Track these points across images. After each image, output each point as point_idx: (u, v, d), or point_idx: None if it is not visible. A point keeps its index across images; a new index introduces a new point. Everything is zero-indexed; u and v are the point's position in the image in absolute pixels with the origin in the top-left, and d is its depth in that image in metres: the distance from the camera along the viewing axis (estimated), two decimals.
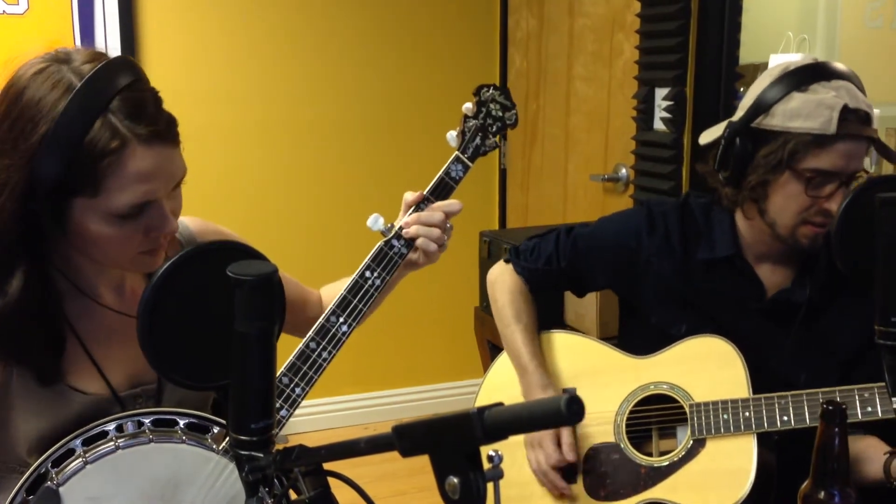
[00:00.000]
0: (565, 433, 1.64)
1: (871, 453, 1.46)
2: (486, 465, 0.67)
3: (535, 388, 1.70)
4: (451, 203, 1.40)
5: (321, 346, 1.30)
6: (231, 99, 3.39)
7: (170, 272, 0.84)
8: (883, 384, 1.38)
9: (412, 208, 1.39)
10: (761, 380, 1.54)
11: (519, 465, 1.70)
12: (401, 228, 1.37)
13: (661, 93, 2.70)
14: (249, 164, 3.46)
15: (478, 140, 1.43)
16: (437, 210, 1.38)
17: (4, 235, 1.12)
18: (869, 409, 1.41)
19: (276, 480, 0.82)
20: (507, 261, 1.87)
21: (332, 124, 3.56)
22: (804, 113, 1.46)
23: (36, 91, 1.09)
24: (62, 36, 3.07)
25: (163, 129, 1.13)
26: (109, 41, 3.14)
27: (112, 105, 1.09)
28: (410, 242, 1.37)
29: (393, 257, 1.36)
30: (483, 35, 3.73)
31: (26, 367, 1.17)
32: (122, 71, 1.13)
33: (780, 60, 2.13)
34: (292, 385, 1.28)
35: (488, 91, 1.45)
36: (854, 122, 1.46)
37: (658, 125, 2.73)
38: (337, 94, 3.54)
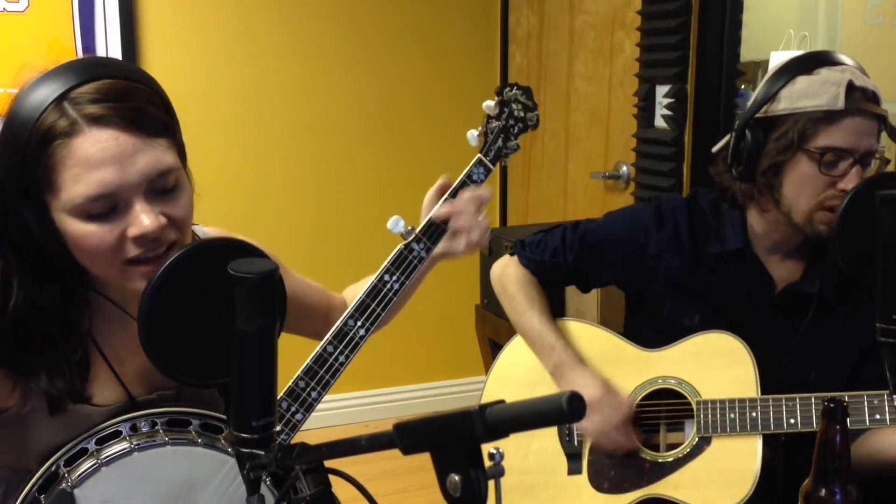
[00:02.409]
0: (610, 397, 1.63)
1: None
2: (488, 463, 0.67)
3: (568, 365, 1.69)
4: (482, 193, 1.37)
5: (338, 350, 1.29)
6: (231, 97, 3.38)
7: (171, 269, 0.84)
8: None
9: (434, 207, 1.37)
10: (770, 375, 1.54)
11: (523, 454, 1.70)
12: (422, 231, 1.34)
13: (661, 90, 2.70)
14: (250, 164, 3.46)
15: (500, 142, 1.40)
16: (467, 198, 1.36)
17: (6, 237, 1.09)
18: (878, 416, 1.41)
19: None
20: (511, 253, 1.87)
21: (332, 122, 3.55)
22: (811, 92, 1.47)
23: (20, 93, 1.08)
24: (63, 34, 3.07)
25: (127, 114, 1.06)
26: (110, 39, 3.14)
27: (76, 92, 1.05)
28: (430, 246, 1.35)
29: (412, 261, 1.33)
30: (484, 32, 3.73)
31: (55, 386, 1.14)
32: (104, 67, 1.10)
33: (781, 58, 2.13)
34: (308, 389, 1.27)
35: (511, 91, 1.41)
36: (861, 98, 1.47)
37: (659, 122, 2.72)
38: (337, 92, 3.54)
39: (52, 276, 1.13)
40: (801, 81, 1.49)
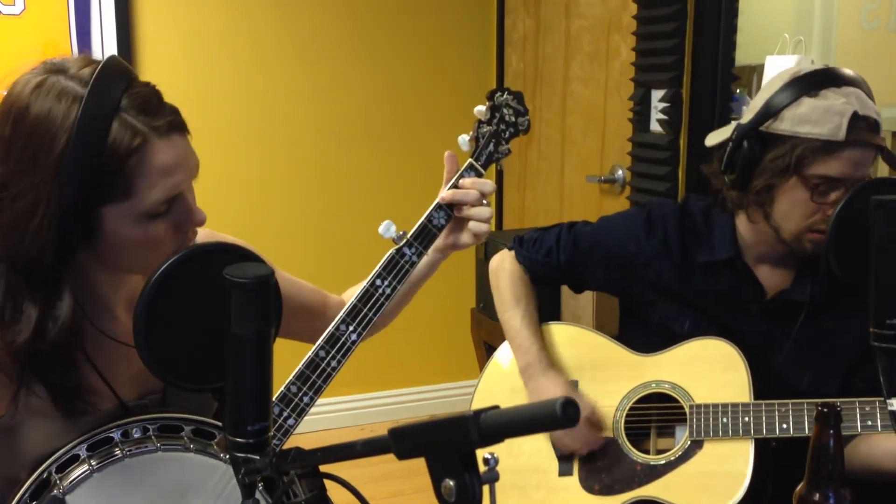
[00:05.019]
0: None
1: None
2: (483, 468, 0.67)
3: (538, 367, 1.70)
4: (485, 182, 1.38)
5: (330, 355, 1.29)
6: (229, 100, 3.38)
7: (167, 273, 0.84)
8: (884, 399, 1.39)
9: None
10: (763, 381, 1.55)
11: (515, 455, 1.71)
12: (413, 236, 1.35)
13: (657, 94, 2.70)
14: (249, 167, 3.45)
15: (491, 146, 1.40)
16: (470, 183, 1.37)
17: (46, 257, 1.08)
18: (869, 423, 1.42)
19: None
20: (509, 248, 1.89)
21: (328, 125, 3.55)
22: (813, 118, 1.46)
23: (42, 105, 1.07)
24: (59, 36, 3.07)
25: (174, 120, 1.14)
26: (106, 42, 3.13)
27: (122, 104, 1.08)
28: (422, 251, 1.35)
29: (404, 265, 1.33)
30: (480, 36, 3.73)
31: (54, 393, 1.14)
32: (119, 71, 1.12)
33: (777, 62, 2.12)
34: (300, 394, 1.27)
35: (502, 96, 1.41)
36: (863, 129, 1.46)
37: (654, 127, 2.73)
38: (333, 95, 3.54)
39: (62, 290, 1.13)
40: (806, 105, 1.47)
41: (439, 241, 1.39)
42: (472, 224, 1.38)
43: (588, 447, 1.65)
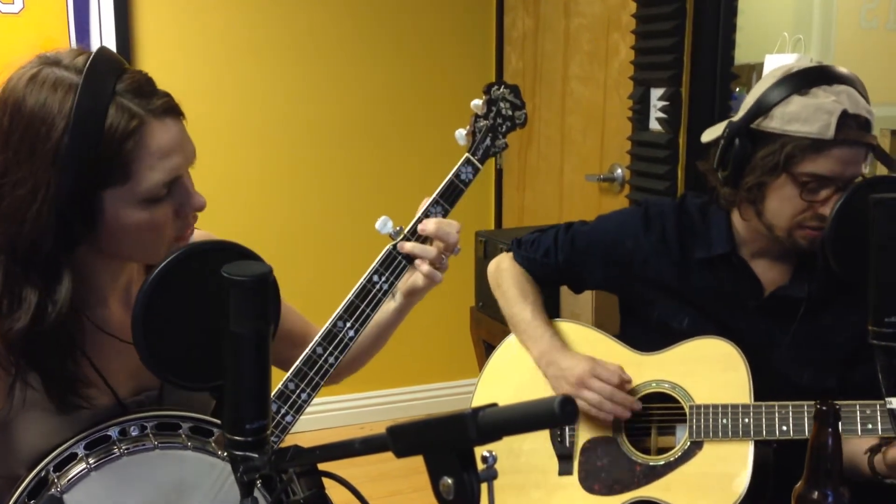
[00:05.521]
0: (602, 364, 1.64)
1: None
2: (481, 466, 0.67)
3: (554, 350, 1.69)
4: (451, 227, 1.34)
5: (328, 352, 1.29)
6: (230, 100, 3.38)
7: (166, 271, 0.84)
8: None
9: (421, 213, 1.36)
10: (763, 378, 1.55)
11: (515, 454, 1.71)
12: (410, 231, 1.34)
13: (656, 93, 2.70)
14: (249, 167, 3.45)
15: (488, 141, 1.39)
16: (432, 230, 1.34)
17: (46, 243, 1.09)
18: (869, 426, 1.41)
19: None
20: (507, 250, 1.90)
21: (327, 124, 3.55)
22: (802, 117, 1.46)
23: (38, 96, 1.08)
24: (58, 35, 3.07)
25: (168, 102, 1.15)
26: (105, 41, 3.13)
27: (118, 89, 1.10)
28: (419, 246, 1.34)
29: (401, 261, 1.33)
30: (479, 34, 3.73)
31: (49, 383, 1.14)
32: (111, 59, 1.14)
33: (776, 61, 2.12)
34: (298, 391, 1.27)
35: (499, 89, 1.41)
36: (853, 127, 1.46)
37: (654, 125, 2.73)
38: (332, 94, 3.54)
39: (62, 275, 1.14)
40: (795, 103, 1.47)
41: (402, 285, 1.37)
42: (422, 266, 1.33)
43: (631, 409, 1.62)
